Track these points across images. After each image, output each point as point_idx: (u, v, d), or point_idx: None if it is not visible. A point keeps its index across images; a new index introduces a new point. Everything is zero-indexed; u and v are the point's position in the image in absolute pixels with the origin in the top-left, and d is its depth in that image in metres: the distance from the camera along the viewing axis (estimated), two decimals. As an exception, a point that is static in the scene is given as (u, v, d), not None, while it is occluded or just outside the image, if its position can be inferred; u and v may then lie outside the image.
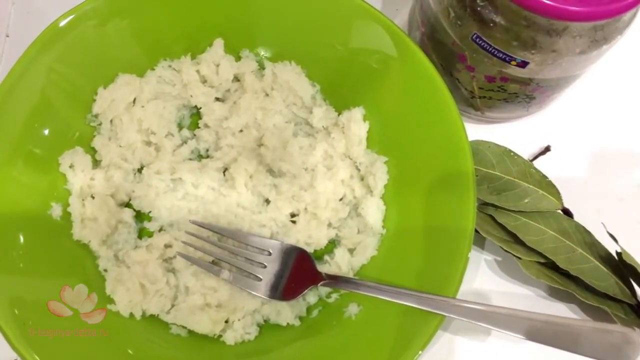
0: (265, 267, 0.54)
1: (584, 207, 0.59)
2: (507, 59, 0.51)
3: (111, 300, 0.54)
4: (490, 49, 0.51)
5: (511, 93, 0.57)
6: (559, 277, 0.56)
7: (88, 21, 0.56)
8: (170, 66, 0.62)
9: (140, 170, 0.60)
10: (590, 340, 0.45)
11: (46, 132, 0.56)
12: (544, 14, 0.45)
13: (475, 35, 0.51)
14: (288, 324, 0.55)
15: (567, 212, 0.59)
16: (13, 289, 0.50)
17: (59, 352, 0.49)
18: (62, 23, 0.55)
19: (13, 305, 0.49)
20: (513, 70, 0.52)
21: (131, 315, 0.54)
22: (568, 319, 0.47)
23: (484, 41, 0.50)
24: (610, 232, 0.56)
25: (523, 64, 0.51)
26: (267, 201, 0.59)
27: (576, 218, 0.59)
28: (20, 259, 0.52)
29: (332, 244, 0.59)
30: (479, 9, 0.49)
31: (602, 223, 0.56)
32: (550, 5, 0.44)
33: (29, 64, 0.54)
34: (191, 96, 0.61)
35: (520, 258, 0.56)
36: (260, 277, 0.54)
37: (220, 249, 0.56)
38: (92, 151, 0.59)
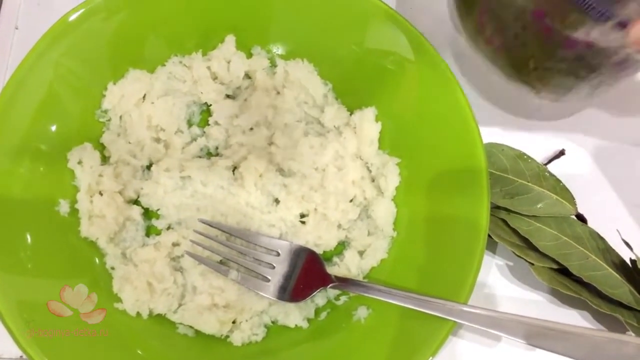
0: (273, 267, 0.54)
1: (598, 212, 0.58)
2: (604, 16, 0.42)
3: (118, 299, 0.53)
4: (585, 2, 0.42)
5: (589, 65, 0.49)
6: (572, 284, 0.55)
7: (98, 15, 0.55)
8: (180, 62, 0.61)
9: (149, 167, 0.59)
10: (604, 350, 0.44)
11: (53, 128, 0.55)
12: None
13: None
14: (296, 325, 0.54)
15: (581, 218, 0.58)
16: (21, 290, 0.49)
17: (66, 353, 0.49)
18: (72, 17, 0.54)
19: (22, 309, 0.48)
20: (604, 33, 0.44)
21: (138, 314, 0.53)
22: (583, 328, 0.46)
23: None
24: (625, 239, 0.55)
25: (621, 26, 0.42)
26: (277, 201, 0.58)
27: (590, 224, 0.58)
28: (28, 259, 0.51)
29: (342, 245, 0.58)
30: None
31: (617, 230, 0.55)
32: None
33: (37, 59, 0.53)
34: (201, 93, 0.60)
35: (532, 264, 0.55)
36: (269, 277, 0.53)
37: (229, 248, 0.55)
38: (101, 147, 0.58)
